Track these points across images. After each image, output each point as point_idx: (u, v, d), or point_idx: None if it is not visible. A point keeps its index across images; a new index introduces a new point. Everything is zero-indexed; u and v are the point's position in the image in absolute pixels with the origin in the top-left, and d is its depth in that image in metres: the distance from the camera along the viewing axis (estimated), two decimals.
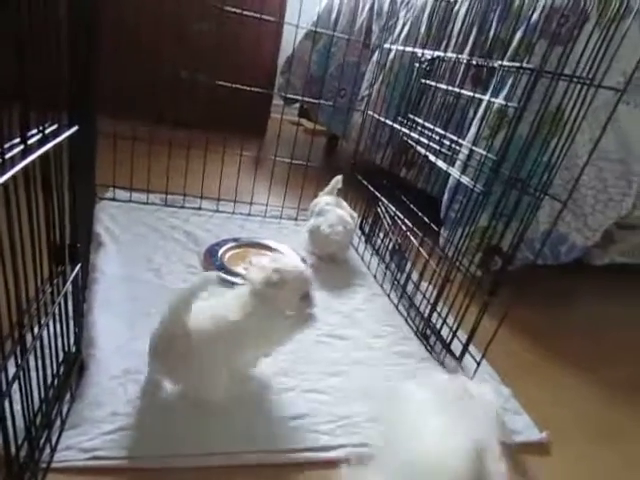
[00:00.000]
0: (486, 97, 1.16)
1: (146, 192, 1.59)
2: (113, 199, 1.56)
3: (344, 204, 1.55)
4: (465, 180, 1.10)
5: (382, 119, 1.57)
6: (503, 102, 1.04)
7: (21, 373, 0.54)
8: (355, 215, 1.55)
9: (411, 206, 1.33)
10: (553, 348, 1.27)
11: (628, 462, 0.93)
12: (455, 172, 1.16)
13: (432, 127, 1.26)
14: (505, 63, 1.05)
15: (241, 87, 1.56)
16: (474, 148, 1.10)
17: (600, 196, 1.31)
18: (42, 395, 0.65)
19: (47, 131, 0.58)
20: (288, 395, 0.89)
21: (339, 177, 1.58)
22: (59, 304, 0.68)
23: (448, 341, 1.08)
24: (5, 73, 0.46)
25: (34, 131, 0.55)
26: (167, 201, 1.62)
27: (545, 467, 0.86)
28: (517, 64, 1.01)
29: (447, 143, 1.21)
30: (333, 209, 1.47)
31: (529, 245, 1.36)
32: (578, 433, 0.98)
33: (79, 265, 0.74)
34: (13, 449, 0.54)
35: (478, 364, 1.01)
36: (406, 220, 1.35)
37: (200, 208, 1.64)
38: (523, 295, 0.95)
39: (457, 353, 1.04)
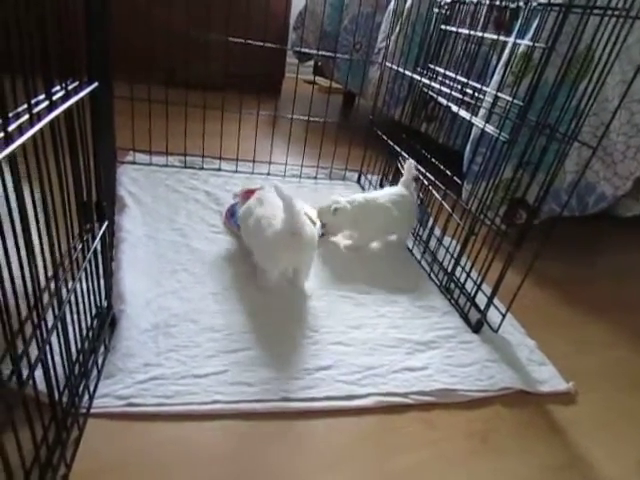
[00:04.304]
0: (511, 39, 1.11)
1: (165, 154, 1.59)
2: (133, 162, 1.57)
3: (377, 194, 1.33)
4: (490, 129, 1.07)
5: (401, 70, 1.52)
6: (530, 43, 1.00)
7: (59, 324, 0.56)
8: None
9: (432, 160, 1.30)
10: (578, 299, 1.26)
11: None
12: (479, 121, 1.13)
13: (453, 76, 1.21)
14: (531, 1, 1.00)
15: (253, 42, 1.53)
16: (499, 94, 1.06)
17: (631, 142, 1.26)
18: (79, 347, 0.67)
19: (69, 87, 0.58)
20: (313, 348, 0.90)
21: (410, 162, 1.33)
22: (89, 260, 0.69)
23: (472, 294, 1.08)
24: (26, 32, 0.45)
25: (57, 87, 0.55)
26: (186, 163, 1.62)
27: (572, 416, 0.87)
28: (544, 1, 0.96)
29: (469, 92, 1.17)
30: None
31: (555, 197, 1.33)
32: (604, 382, 0.98)
33: (106, 223, 0.75)
34: (56, 396, 0.57)
35: (503, 316, 1.01)
36: (428, 174, 1.33)
37: (219, 169, 1.65)
38: (548, 247, 0.93)
39: (481, 307, 1.04)
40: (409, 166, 1.32)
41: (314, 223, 1.25)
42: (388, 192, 1.32)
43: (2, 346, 0.44)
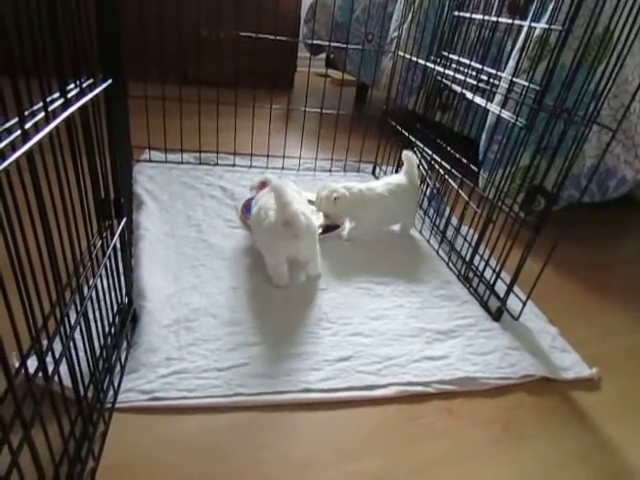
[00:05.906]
0: (526, 23, 1.09)
1: (180, 152, 1.60)
2: (149, 160, 1.58)
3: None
4: (506, 115, 1.05)
5: (414, 59, 1.51)
6: (546, 26, 0.98)
7: (81, 319, 0.57)
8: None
9: (448, 148, 1.29)
10: (599, 285, 1.24)
11: None
12: (494, 107, 1.11)
13: (467, 62, 1.20)
14: None
15: (264, 36, 1.53)
16: (515, 79, 1.04)
17: None
18: (102, 342, 0.68)
19: (84, 85, 0.59)
20: (332, 339, 0.91)
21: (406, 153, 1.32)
22: (109, 257, 0.70)
23: (492, 283, 1.06)
24: (39, 29, 0.46)
25: (72, 85, 0.56)
26: (201, 159, 1.63)
27: (596, 402, 0.86)
28: None
29: (484, 78, 1.15)
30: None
31: (574, 182, 1.31)
32: (628, 367, 0.96)
33: (124, 219, 0.76)
34: (81, 391, 0.58)
35: (524, 304, 1.00)
36: (443, 162, 1.31)
37: (234, 164, 1.65)
38: (567, 233, 0.92)
39: (501, 295, 1.03)
40: (407, 155, 1.30)
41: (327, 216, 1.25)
42: (387, 181, 1.31)
43: (27, 342, 0.45)
